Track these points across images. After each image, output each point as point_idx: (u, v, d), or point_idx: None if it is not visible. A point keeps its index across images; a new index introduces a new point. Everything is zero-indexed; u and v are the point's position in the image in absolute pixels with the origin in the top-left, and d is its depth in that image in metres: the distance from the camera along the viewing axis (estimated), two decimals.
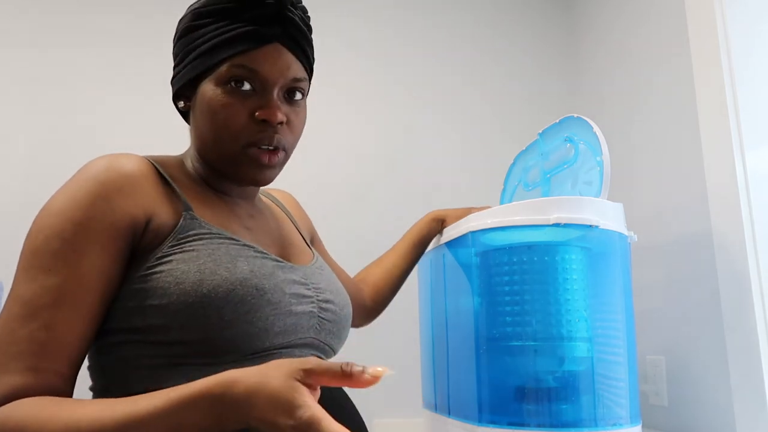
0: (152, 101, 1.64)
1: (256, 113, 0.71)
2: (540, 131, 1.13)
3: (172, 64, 0.79)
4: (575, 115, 1.04)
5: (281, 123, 0.73)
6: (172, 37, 0.79)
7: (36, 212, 0.65)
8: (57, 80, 1.64)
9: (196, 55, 0.73)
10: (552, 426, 0.85)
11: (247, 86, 0.71)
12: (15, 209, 1.52)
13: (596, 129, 0.97)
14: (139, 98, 1.66)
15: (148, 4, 1.72)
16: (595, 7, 1.80)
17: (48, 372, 0.59)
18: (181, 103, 0.78)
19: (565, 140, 1.04)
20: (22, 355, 0.58)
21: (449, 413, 0.98)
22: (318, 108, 1.18)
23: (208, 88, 0.72)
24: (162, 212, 0.68)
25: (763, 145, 1.20)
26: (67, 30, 1.67)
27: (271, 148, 0.73)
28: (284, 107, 0.74)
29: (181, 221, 0.68)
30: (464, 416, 0.92)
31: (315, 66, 0.83)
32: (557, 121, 1.08)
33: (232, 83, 0.71)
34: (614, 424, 0.86)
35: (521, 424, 0.86)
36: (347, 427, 0.58)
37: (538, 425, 0.85)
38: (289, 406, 0.49)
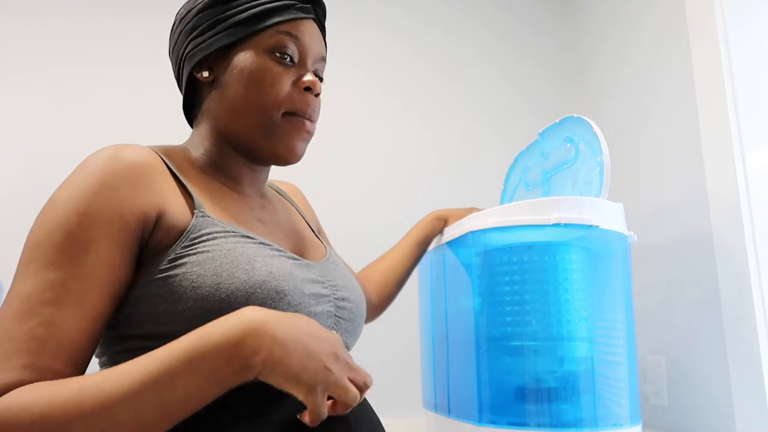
0: (155, 97, 1.64)
1: (300, 81, 0.73)
2: (540, 131, 1.13)
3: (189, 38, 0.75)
4: (575, 115, 1.04)
5: (318, 95, 0.75)
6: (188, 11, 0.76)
7: (36, 211, 0.63)
8: (57, 79, 1.64)
9: (233, 23, 0.73)
10: (552, 426, 0.85)
11: (287, 58, 0.73)
12: (15, 209, 1.53)
13: (596, 129, 0.97)
14: (142, 95, 1.66)
15: (150, 5, 1.72)
16: (596, 7, 1.80)
17: (46, 371, 0.55)
18: (205, 74, 0.75)
19: (566, 140, 1.05)
20: (19, 353, 0.54)
21: (449, 413, 0.98)
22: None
23: (247, 57, 0.72)
24: (173, 208, 0.64)
25: (763, 145, 1.20)
26: (68, 27, 1.67)
27: (306, 118, 0.75)
28: None
29: (192, 220, 0.65)
30: (464, 416, 0.92)
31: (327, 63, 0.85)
32: (557, 121, 1.08)
33: (275, 53, 0.73)
34: (614, 424, 0.86)
35: (521, 424, 0.86)
36: (368, 425, 0.60)
37: (538, 425, 0.85)
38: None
